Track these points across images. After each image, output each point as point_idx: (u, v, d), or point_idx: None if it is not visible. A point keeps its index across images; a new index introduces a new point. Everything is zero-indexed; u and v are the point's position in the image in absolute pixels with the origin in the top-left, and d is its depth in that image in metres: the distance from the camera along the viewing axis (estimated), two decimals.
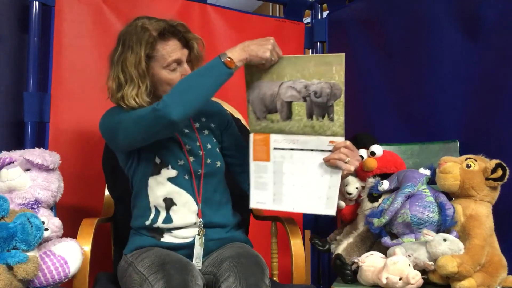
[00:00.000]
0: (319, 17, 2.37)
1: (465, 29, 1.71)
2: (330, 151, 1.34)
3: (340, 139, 1.34)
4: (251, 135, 1.42)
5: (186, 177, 1.41)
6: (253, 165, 1.41)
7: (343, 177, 1.37)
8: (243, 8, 2.33)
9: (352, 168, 1.33)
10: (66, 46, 1.81)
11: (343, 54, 1.29)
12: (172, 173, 1.40)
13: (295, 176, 1.37)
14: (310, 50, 2.36)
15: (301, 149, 1.37)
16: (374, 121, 2.04)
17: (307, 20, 2.39)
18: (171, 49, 1.36)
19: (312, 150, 1.36)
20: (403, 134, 1.89)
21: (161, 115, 1.20)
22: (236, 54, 1.28)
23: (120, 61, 1.35)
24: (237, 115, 1.82)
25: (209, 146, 1.47)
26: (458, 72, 1.74)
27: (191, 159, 1.42)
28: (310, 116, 1.35)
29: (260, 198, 1.40)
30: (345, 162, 1.32)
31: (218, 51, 2.17)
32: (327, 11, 2.35)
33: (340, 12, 2.27)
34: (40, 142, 1.72)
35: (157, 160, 1.39)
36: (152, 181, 1.40)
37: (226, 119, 1.57)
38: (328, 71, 1.30)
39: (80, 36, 1.84)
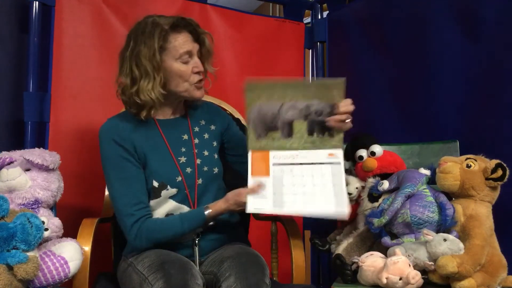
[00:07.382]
0: (319, 17, 2.37)
1: (465, 29, 1.71)
2: (329, 163, 1.35)
3: (338, 151, 1.35)
4: (250, 152, 1.40)
5: (186, 191, 1.41)
6: (252, 181, 1.36)
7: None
8: (243, 8, 2.33)
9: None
10: (66, 46, 1.80)
11: (343, 79, 1.32)
12: (173, 191, 1.40)
13: (295, 186, 1.35)
14: (310, 50, 2.36)
15: (301, 163, 1.37)
16: (374, 121, 2.04)
17: (307, 20, 2.39)
18: (183, 41, 1.37)
19: (312, 163, 1.37)
20: (403, 134, 1.89)
21: (128, 237, 1.35)
22: (217, 206, 1.37)
23: (133, 55, 1.35)
24: (237, 115, 1.82)
25: (206, 153, 1.46)
26: (458, 72, 1.74)
27: (188, 170, 1.42)
28: (311, 133, 1.37)
29: (258, 205, 1.34)
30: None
31: (218, 51, 2.16)
32: (327, 11, 2.35)
33: (340, 12, 2.27)
34: (40, 142, 1.72)
35: (155, 184, 1.38)
36: (153, 203, 1.40)
37: (226, 118, 1.56)
38: (328, 94, 1.34)
39: (80, 36, 1.83)
